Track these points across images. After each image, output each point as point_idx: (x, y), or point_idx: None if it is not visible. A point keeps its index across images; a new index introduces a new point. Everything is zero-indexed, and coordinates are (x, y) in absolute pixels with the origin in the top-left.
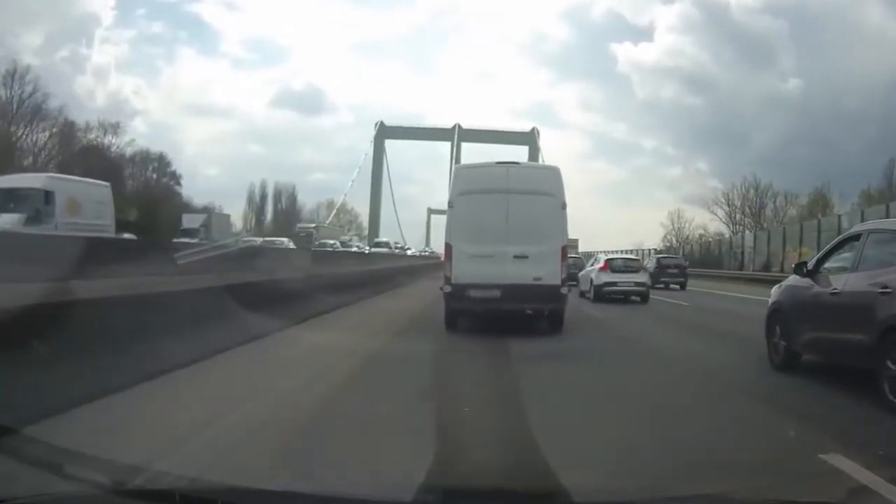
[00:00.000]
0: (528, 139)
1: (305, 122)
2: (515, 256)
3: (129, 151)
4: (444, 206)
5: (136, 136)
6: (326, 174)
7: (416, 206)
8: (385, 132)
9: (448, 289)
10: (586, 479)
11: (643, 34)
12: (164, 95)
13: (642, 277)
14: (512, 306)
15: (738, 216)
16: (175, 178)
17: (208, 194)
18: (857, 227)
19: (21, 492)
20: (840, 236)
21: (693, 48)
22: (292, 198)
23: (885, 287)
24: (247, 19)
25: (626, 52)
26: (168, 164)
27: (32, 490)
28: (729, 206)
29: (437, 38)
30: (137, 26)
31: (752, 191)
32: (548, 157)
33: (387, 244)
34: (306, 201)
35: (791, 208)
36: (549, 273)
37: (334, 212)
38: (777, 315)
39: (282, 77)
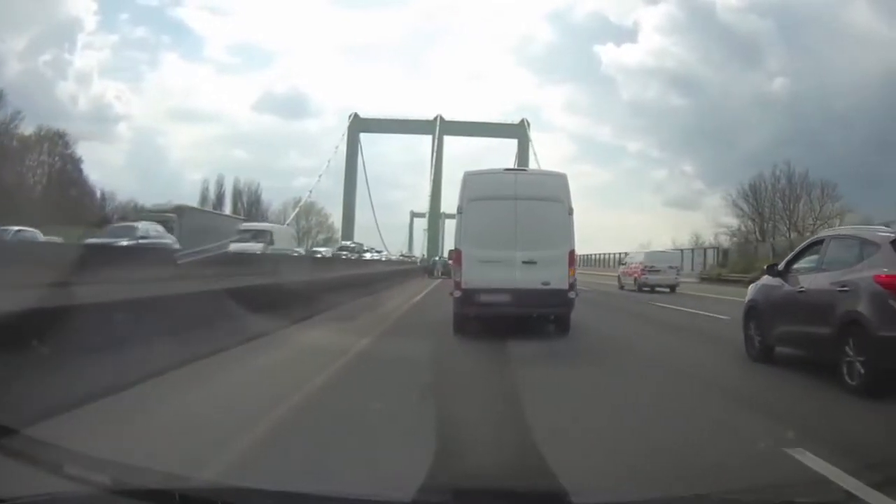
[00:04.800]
0: (518, 131)
1: (290, 125)
2: (524, 262)
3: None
4: (426, 210)
5: (122, 141)
6: (312, 178)
7: (403, 212)
8: (360, 125)
9: (458, 293)
10: (586, 479)
11: (627, 36)
12: (148, 100)
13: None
14: (521, 310)
15: (767, 211)
16: (73, 162)
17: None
18: (822, 233)
19: (21, 492)
20: (807, 240)
21: (678, 49)
22: (255, 196)
23: (844, 286)
24: (231, 23)
25: (610, 54)
26: (66, 144)
27: (32, 490)
28: (756, 199)
29: (423, 42)
30: (120, 31)
31: (782, 179)
32: (533, 158)
33: (250, 234)
34: (272, 200)
35: (828, 202)
36: (558, 277)
37: (296, 211)
38: (752, 312)
39: (267, 81)
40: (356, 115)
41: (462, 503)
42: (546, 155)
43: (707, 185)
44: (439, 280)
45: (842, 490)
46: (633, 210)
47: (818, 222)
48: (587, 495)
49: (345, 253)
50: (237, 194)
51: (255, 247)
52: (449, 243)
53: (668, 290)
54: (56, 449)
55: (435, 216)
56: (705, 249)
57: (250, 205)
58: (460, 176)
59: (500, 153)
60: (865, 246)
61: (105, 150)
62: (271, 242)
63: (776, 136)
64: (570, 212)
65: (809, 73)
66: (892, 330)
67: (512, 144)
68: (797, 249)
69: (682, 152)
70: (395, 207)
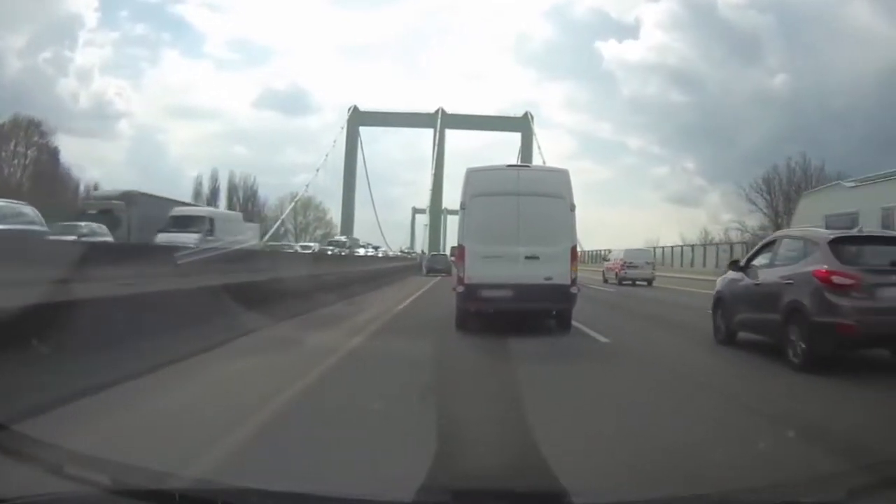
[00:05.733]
0: (521, 124)
1: (291, 122)
2: (527, 257)
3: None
4: (427, 206)
5: (123, 138)
6: (312, 174)
7: (406, 208)
8: (359, 118)
9: (461, 289)
10: (586, 479)
11: (628, 32)
12: (149, 97)
13: None
14: (523, 305)
15: (780, 206)
16: (49, 152)
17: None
18: (775, 234)
19: (20, 492)
20: (764, 240)
21: (679, 45)
22: (251, 191)
23: (789, 279)
24: (231, 21)
25: (610, 51)
26: (42, 134)
27: (32, 490)
28: (770, 193)
29: (423, 41)
30: (121, 28)
31: (797, 172)
32: (537, 151)
33: (181, 221)
34: (269, 196)
35: None
36: (560, 273)
37: (291, 205)
38: (719, 302)
39: (267, 78)
40: (355, 108)
41: (462, 503)
42: (546, 151)
43: (708, 182)
44: (437, 279)
45: (842, 490)
46: (635, 206)
47: None
48: (587, 495)
49: (330, 249)
50: (232, 189)
51: (188, 238)
52: (451, 239)
53: (645, 283)
54: (56, 449)
55: (436, 211)
56: (732, 245)
57: (246, 200)
58: (462, 172)
59: (503, 149)
60: (808, 245)
61: (106, 147)
62: (210, 232)
63: (777, 133)
64: (572, 208)
65: (810, 71)
66: (825, 316)
67: (514, 140)
68: (756, 248)
69: (683, 149)
70: (398, 204)
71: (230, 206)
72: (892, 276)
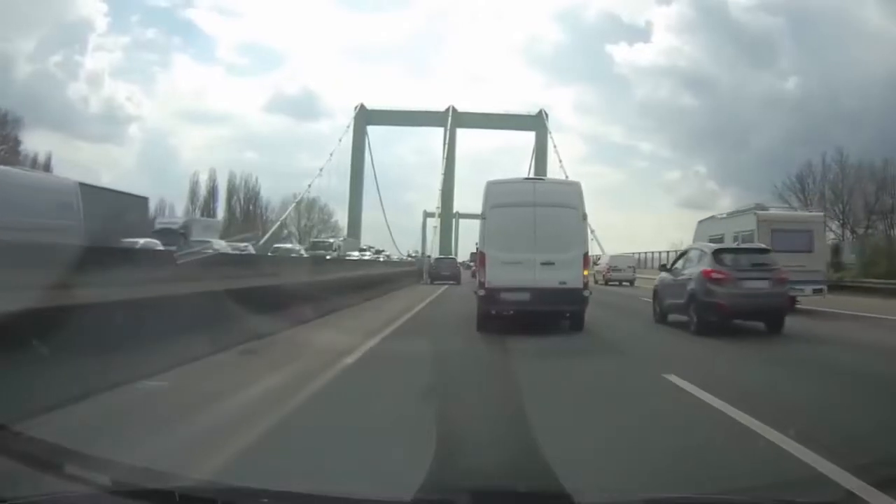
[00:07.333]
0: (536, 123)
1: (302, 127)
2: (543, 263)
3: None
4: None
5: (133, 142)
6: (322, 178)
7: (417, 213)
8: (367, 117)
9: (482, 292)
10: (587, 479)
11: (639, 35)
12: (159, 102)
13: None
14: (539, 308)
15: (815, 204)
16: (8, 142)
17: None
18: (687, 247)
19: (21, 492)
20: (682, 250)
21: (690, 48)
22: (253, 192)
23: (691, 276)
24: (242, 25)
25: (621, 54)
26: (4, 124)
27: (32, 490)
28: (805, 192)
29: (431, 42)
30: (131, 33)
31: (833, 168)
32: (552, 150)
33: None
34: (271, 198)
35: (883, 196)
36: (573, 277)
37: (292, 206)
38: (656, 294)
39: (277, 83)
40: (362, 106)
41: (462, 503)
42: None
43: (720, 186)
44: (443, 288)
45: (842, 490)
46: (648, 210)
47: (873, 217)
48: (588, 495)
49: (295, 251)
50: (233, 191)
51: None
52: (463, 243)
53: (628, 284)
54: (56, 449)
55: (448, 213)
56: None
57: (247, 202)
58: (474, 175)
59: (516, 155)
60: (702, 254)
61: (117, 152)
62: None
63: (789, 136)
64: (584, 217)
65: (823, 73)
66: (707, 298)
67: (527, 142)
68: (678, 255)
69: (695, 153)
70: (411, 209)
71: (230, 209)
72: (751, 273)
